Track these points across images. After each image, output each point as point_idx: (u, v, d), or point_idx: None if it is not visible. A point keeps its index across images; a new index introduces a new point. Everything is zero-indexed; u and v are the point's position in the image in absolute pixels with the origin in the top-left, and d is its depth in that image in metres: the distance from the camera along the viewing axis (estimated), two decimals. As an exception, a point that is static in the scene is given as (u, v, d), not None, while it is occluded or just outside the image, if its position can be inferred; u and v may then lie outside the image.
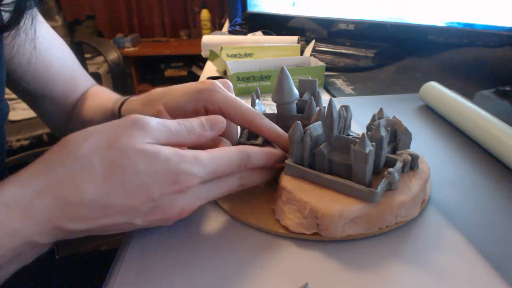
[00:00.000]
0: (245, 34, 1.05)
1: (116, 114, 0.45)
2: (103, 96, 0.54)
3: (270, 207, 0.35)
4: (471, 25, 0.68)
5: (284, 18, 1.03)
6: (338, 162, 0.33)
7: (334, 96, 0.66)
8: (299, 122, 0.33)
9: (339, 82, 0.73)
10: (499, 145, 0.41)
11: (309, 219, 0.31)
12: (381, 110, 0.37)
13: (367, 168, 0.30)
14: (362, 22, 0.87)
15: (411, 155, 0.34)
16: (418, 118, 0.54)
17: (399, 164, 0.33)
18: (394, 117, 0.37)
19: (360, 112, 0.56)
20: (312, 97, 0.39)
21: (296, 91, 0.39)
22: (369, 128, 0.36)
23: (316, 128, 0.33)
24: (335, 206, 0.30)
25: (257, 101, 0.41)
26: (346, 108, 0.36)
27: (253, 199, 0.36)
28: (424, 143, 0.47)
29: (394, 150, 0.36)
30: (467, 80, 0.69)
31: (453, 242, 0.31)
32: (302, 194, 0.31)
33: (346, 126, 0.36)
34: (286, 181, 0.33)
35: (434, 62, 0.80)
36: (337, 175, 0.33)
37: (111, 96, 0.52)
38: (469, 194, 0.37)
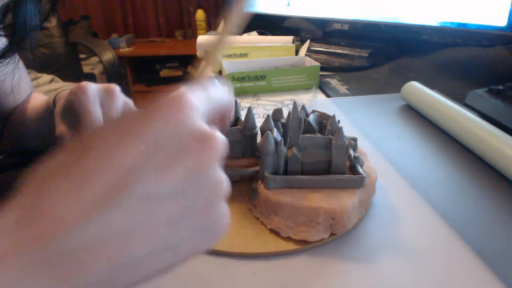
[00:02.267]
0: (240, 34, 1.05)
1: (51, 105, 0.44)
2: (38, 98, 0.54)
3: (240, 230, 0.32)
4: (465, 24, 0.68)
5: (279, 18, 1.04)
6: (310, 161, 0.33)
7: (329, 96, 0.66)
8: (269, 133, 0.32)
9: (334, 82, 0.73)
10: (482, 144, 0.42)
11: (324, 223, 0.30)
12: (301, 107, 0.39)
13: (346, 158, 0.32)
14: (356, 22, 0.87)
15: (352, 138, 0.37)
16: (399, 118, 0.55)
17: (350, 151, 0.34)
18: (314, 110, 0.40)
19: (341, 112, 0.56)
20: (250, 106, 0.36)
21: None
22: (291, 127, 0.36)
23: (276, 135, 0.33)
24: (344, 201, 0.31)
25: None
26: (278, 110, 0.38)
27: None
28: (409, 142, 0.48)
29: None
30: (460, 79, 0.70)
31: (444, 240, 0.31)
32: (307, 202, 0.31)
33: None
34: (278, 195, 0.32)
35: (427, 62, 0.81)
36: (307, 174, 0.33)
37: (45, 97, 0.52)
38: (456, 193, 0.37)
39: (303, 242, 0.31)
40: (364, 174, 0.33)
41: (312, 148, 0.34)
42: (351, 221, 0.31)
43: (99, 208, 0.16)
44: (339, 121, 0.37)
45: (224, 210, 0.20)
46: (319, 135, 0.35)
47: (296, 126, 0.33)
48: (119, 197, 0.16)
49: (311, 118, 0.38)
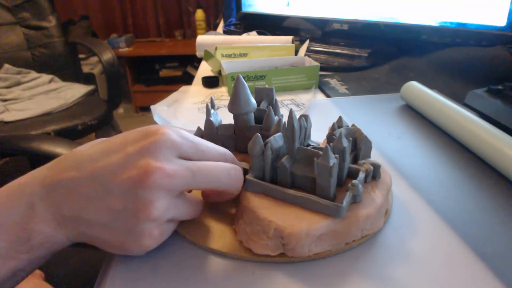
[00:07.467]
0: (240, 34, 1.05)
1: None
2: None
3: (232, 227, 0.32)
4: (464, 24, 0.69)
5: (278, 18, 1.04)
6: (300, 175, 0.31)
7: (328, 96, 0.66)
8: (259, 135, 0.31)
9: (333, 82, 0.73)
10: (481, 144, 0.42)
11: (274, 239, 0.29)
12: (340, 119, 0.36)
13: (331, 181, 0.29)
14: (356, 22, 0.87)
15: (373, 164, 0.33)
16: (399, 118, 0.55)
17: (361, 175, 0.31)
18: (353, 125, 0.35)
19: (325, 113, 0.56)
20: (271, 107, 0.37)
21: (253, 101, 0.38)
22: (329, 137, 0.35)
23: (277, 139, 0.32)
24: (301, 224, 0.28)
25: (212, 111, 0.38)
26: (306, 117, 0.35)
27: (213, 219, 0.34)
28: (409, 141, 0.48)
29: (354, 160, 0.34)
30: (460, 79, 0.70)
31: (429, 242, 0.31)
32: (266, 213, 0.29)
33: (306, 136, 0.36)
34: (248, 199, 0.31)
35: (427, 62, 0.81)
36: (300, 188, 0.31)
37: None
38: (456, 193, 0.37)
39: (251, 252, 0.30)
40: (342, 204, 0.28)
41: (306, 161, 0.31)
42: (304, 247, 0.28)
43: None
44: (370, 143, 0.33)
45: (148, 228, 0.26)
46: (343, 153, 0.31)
47: (290, 134, 0.31)
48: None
49: (342, 132, 0.33)
